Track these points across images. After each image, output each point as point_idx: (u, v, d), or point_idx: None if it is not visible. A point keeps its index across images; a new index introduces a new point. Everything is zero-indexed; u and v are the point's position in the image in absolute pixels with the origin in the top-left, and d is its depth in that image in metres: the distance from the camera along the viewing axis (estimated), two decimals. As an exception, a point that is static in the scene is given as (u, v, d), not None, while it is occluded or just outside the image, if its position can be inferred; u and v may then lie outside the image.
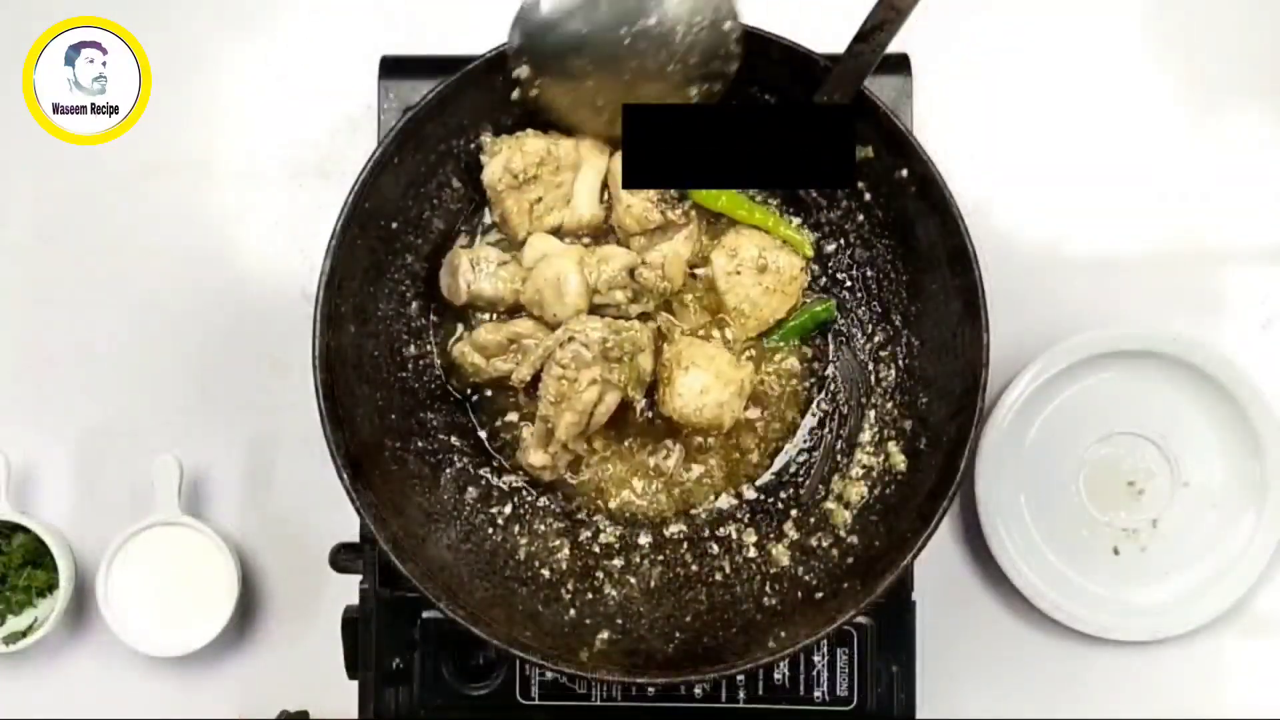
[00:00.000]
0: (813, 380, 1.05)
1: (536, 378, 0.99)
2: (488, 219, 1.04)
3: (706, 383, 0.99)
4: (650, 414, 1.03)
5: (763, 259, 1.01)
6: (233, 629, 1.16)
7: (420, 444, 1.01)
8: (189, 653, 1.14)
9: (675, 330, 1.03)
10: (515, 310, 1.02)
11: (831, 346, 1.05)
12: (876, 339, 1.03)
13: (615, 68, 0.94)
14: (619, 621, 0.99)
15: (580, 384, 0.97)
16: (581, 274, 0.98)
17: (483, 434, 1.04)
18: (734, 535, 1.03)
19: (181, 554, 1.15)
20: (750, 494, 1.04)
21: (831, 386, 1.04)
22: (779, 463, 1.04)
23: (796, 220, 1.04)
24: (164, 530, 1.15)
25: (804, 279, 1.03)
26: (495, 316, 1.02)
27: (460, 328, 1.03)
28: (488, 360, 1.01)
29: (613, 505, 1.04)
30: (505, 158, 0.99)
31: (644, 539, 1.03)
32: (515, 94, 0.97)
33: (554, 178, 1.00)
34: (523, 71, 0.96)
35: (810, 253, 1.03)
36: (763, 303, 1.02)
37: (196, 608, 1.15)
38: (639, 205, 1.00)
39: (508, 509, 1.03)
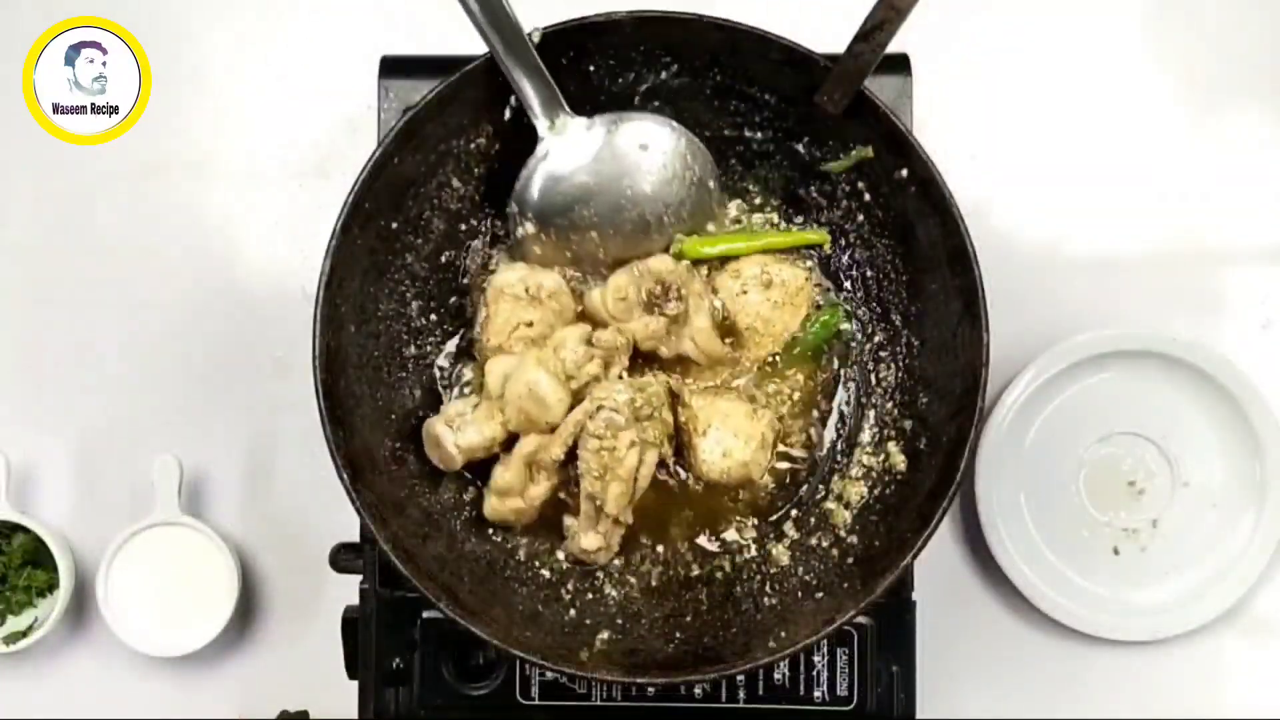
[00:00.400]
0: (817, 385, 1.05)
1: (571, 455, 0.97)
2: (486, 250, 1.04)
3: (728, 444, 0.99)
4: (682, 475, 1.02)
5: (766, 274, 1.01)
6: (233, 629, 1.16)
7: (420, 444, 1.01)
8: (189, 653, 1.14)
9: (685, 391, 1.01)
10: (511, 442, 0.99)
11: (836, 351, 1.05)
12: (876, 339, 1.03)
13: (617, 220, 0.99)
14: (619, 621, 0.99)
15: (620, 450, 0.95)
16: (549, 371, 0.96)
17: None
18: (734, 535, 1.03)
19: (181, 554, 1.15)
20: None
21: (832, 387, 1.04)
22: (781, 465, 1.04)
23: (799, 219, 1.04)
24: (164, 530, 1.15)
25: (810, 288, 1.03)
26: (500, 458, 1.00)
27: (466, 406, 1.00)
28: (523, 495, 0.99)
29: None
30: (526, 272, 0.99)
31: (644, 539, 1.03)
32: (513, 245, 1.01)
33: (555, 315, 1.00)
34: (527, 228, 0.99)
35: (826, 239, 1.03)
36: (774, 318, 1.02)
37: (196, 608, 1.15)
38: (639, 327, 0.99)
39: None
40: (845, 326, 1.04)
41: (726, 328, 1.02)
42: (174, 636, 1.15)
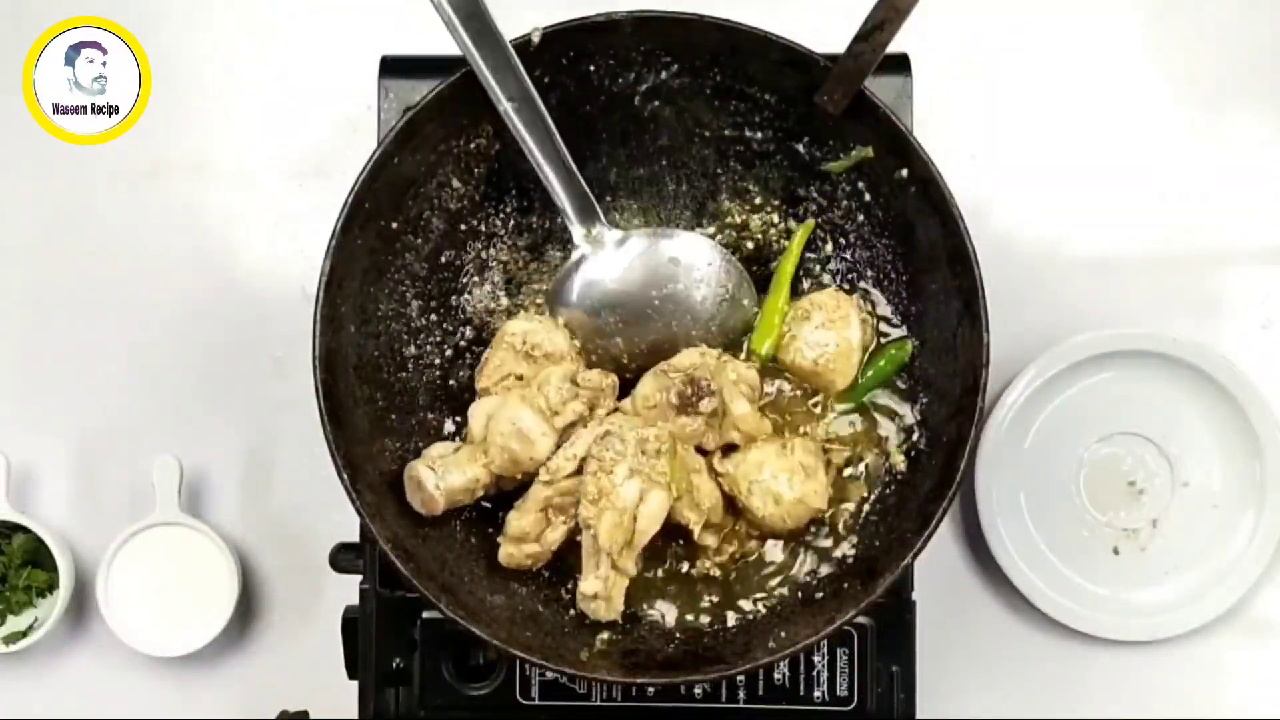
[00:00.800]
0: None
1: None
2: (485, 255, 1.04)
3: (775, 491, 0.96)
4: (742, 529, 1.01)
5: (801, 308, 1.00)
6: (233, 629, 1.16)
7: (421, 444, 1.01)
8: (189, 653, 1.14)
9: (715, 459, 0.99)
10: (493, 487, 0.98)
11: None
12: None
13: (642, 327, 1.00)
14: (619, 621, 0.99)
15: (617, 476, 0.92)
16: (532, 407, 0.95)
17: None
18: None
19: (181, 554, 1.15)
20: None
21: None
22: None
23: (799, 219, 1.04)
24: (164, 530, 1.15)
25: (843, 299, 1.01)
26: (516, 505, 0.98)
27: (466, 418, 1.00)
28: (539, 541, 0.97)
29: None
30: (532, 328, 0.99)
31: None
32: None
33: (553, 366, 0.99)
34: (562, 316, 1.00)
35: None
36: (828, 339, 0.99)
37: (196, 608, 1.15)
38: (676, 430, 0.96)
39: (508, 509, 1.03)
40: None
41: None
42: (174, 636, 1.15)
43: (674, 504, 0.94)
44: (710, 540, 0.99)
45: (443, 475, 0.96)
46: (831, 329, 0.99)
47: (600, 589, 0.94)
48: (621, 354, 1.01)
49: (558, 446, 0.96)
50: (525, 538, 0.97)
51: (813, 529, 1.00)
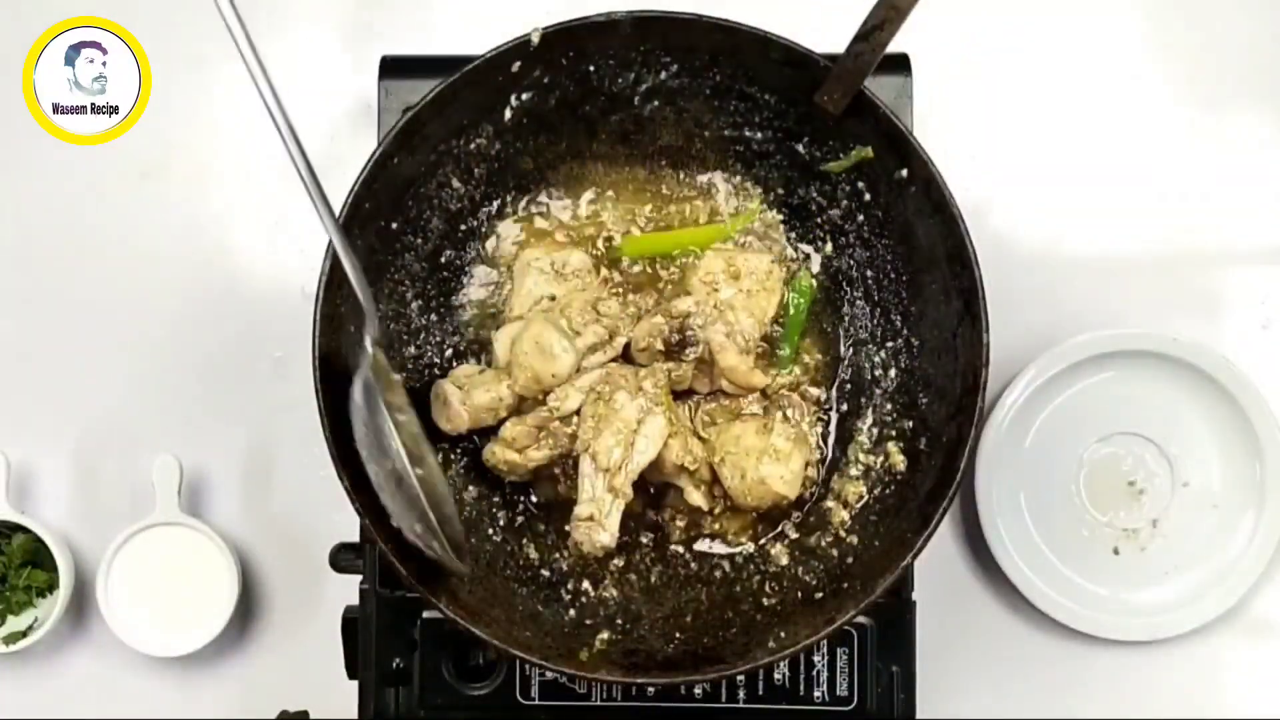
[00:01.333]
0: (815, 385, 1.05)
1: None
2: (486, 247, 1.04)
3: (744, 466, 0.98)
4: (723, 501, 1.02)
5: (732, 266, 1.01)
6: (233, 629, 1.16)
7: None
8: (189, 653, 1.14)
9: (700, 425, 1.01)
10: (518, 408, 0.99)
11: (841, 345, 1.05)
12: (876, 339, 1.03)
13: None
14: (619, 621, 0.99)
15: (617, 402, 0.95)
16: (556, 324, 0.96)
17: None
18: (734, 534, 1.03)
19: (181, 554, 1.15)
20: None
21: (832, 387, 1.04)
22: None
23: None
24: (164, 530, 1.15)
25: (778, 270, 1.03)
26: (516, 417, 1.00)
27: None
28: (521, 453, 0.98)
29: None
30: (551, 255, 1.00)
31: (644, 539, 1.03)
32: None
33: (579, 294, 1.00)
34: None
35: (757, 211, 1.03)
36: (750, 305, 1.01)
37: (196, 608, 1.15)
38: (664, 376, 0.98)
39: (507, 509, 1.03)
40: (816, 281, 1.04)
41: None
42: (174, 636, 1.15)
43: (671, 443, 0.96)
44: (699, 500, 1.00)
45: (468, 392, 0.97)
46: (756, 298, 1.01)
47: (594, 511, 0.94)
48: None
49: (579, 371, 0.97)
50: (512, 444, 0.98)
51: (797, 517, 1.01)
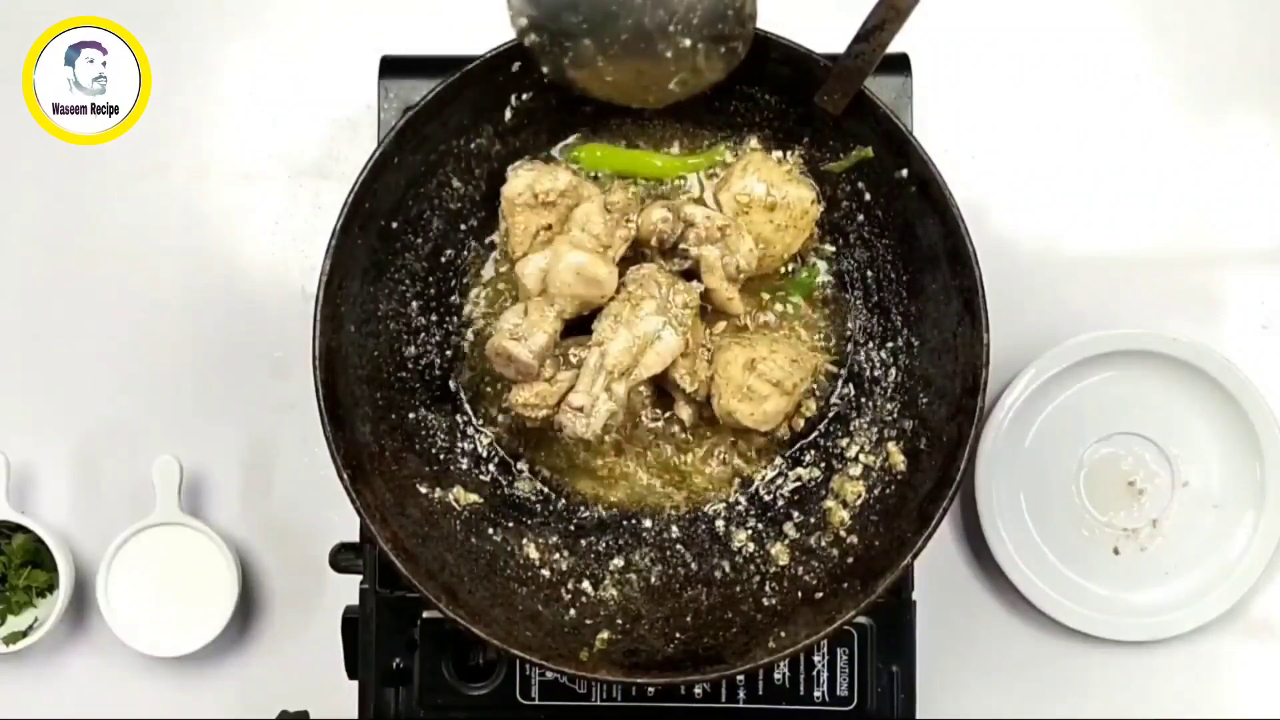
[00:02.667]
0: (817, 383, 1.05)
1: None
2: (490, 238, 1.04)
3: (724, 393, 0.99)
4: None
5: (771, 196, 0.99)
6: (233, 629, 1.16)
7: (421, 444, 1.01)
8: (189, 653, 1.14)
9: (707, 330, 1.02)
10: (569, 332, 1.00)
11: (847, 347, 1.05)
12: (876, 338, 1.03)
13: (611, 27, 0.91)
14: (619, 621, 0.99)
15: (641, 309, 0.96)
16: (585, 249, 0.96)
17: (484, 435, 1.04)
18: (734, 534, 1.03)
19: (181, 554, 1.15)
20: (750, 494, 1.04)
21: (832, 386, 1.04)
22: (780, 463, 1.04)
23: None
24: (164, 530, 1.15)
25: (816, 211, 1.01)
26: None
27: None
28: (551, 380, 0.98)
29: (614, 497, 1.04)
30: (533, 177, 0.99)
31: (647, 523, 1.03)
32: (544, 70, 0.95)
33: (570, 212, 0.99)
34: (529, 37, 0.93)
35: (724, 155, 1.02)
36: (775, 239, 1.00)
37: (196, 608, 1.15)
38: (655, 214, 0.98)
39: (508, 509, 1.03)
40: (824, 279, 1.04)
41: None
42: (174, 636, 1.15)
43: (680, 361, 0.97)
44: (685, 415, 1.01)
45: (528, 339, 0.97)
46: (784, 232, 1.00)
47: (585, 403, 0.95)
48: (602, 66, 0.93)
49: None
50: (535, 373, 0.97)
51: (799, 517, 1.01)
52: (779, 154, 1.02)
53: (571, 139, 1.03)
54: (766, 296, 1.04)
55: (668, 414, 1.04)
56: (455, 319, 1.04)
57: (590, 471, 1.04)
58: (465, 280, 1.04)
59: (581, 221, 0.97)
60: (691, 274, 0.99)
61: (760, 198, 0.99)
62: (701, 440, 1.04)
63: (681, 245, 0.98)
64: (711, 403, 1.00)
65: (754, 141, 1.03)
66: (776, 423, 1.01)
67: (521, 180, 0.99)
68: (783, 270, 1.04)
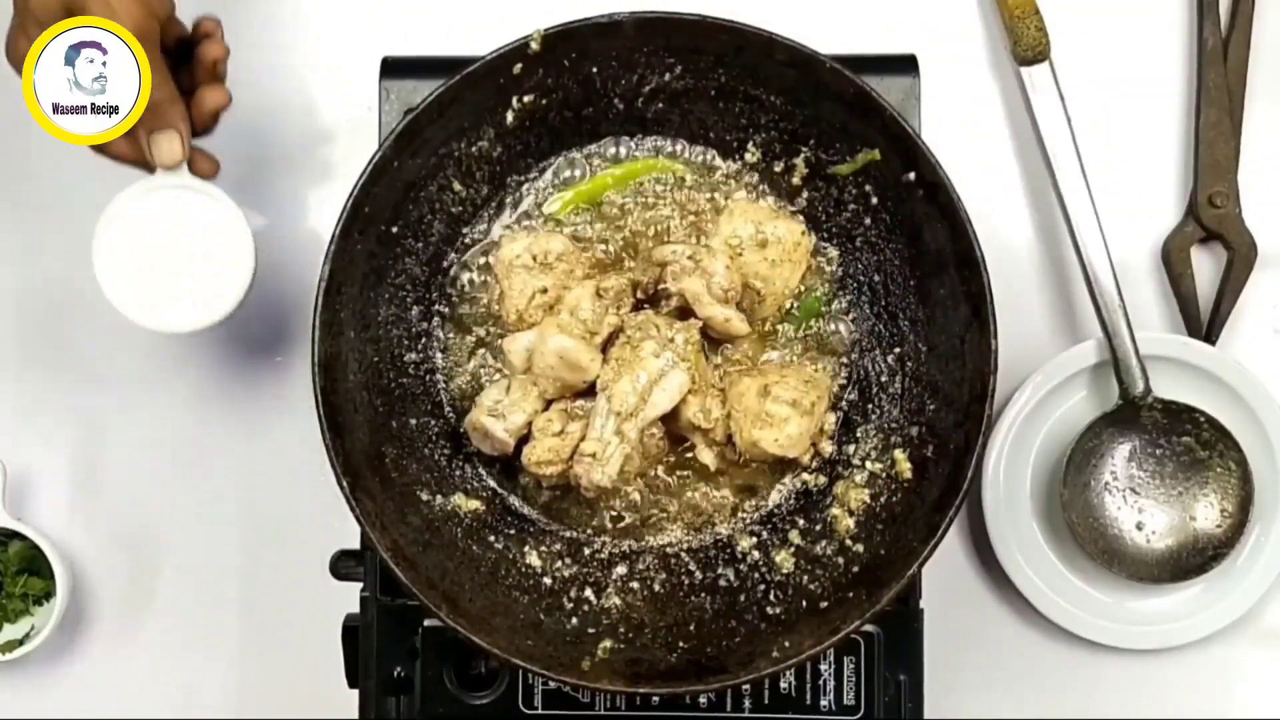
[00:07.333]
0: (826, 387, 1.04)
1: None
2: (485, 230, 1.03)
3: (744, 424, 0.98)
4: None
5: (760, 233, 1.00)
6: (232, 635, 1.16)
7: (422, 451, 1.00)
8: (200, 328, 1.04)
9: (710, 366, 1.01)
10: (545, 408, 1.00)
11: (850, 350, 1.04)
12: (883, 344, 1.02)
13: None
14: (621, 630, 0.98)
15: (643, 350, 0.96)
16: (571, 334, 0.96)
17: (484, 440, 1.04)
18: (738, 542, 1.02)
19: (190, 221, 1.04)
20: (755, 501, 1.03)
21: (839, 392, 1.04)
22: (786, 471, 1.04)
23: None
24: (174, 191, 1.04)
25: (807, 242, 1.02)
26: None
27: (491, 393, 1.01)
28: (560, 435, 0.98)
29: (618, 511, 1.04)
30: (530, 240, 0.99)
31: (650, 539, 1.03)
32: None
33: (567, 276, 0.99)
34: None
35: (679, 169, 1.03)
36: (773, 275, 1.00)
37: (210, 281, 1.03)
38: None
39: (510, 516, 1.02)
40: (831, 308, 1.04)
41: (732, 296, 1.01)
42: (183, 311, 1.04)
43: (689, 398, 0.97)
44: (709, 459, 1.00)
45: (507, 418, 0.98)
46: (780, 267, 1.00)
47: (598, 449, 0.95)
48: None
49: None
50: (547, 430, 0.98)
51: (803, 524, 1.01)
52: (764, 202, 1.03)
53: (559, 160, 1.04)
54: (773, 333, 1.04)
55: (688, 454, 1.02)
56: (456, 322, 1.03)
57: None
58: (466, 283, 1.03)
59: (572, 305, 0.98)
60: (686, 312, 0.99)
61: (750, 237, 0.99)
62: (731, 483, 1.04)
63: (662, 286, 0.99)
64: (733, 441, 0.99)
65: (740, 194, 1.04)
66: (804, 446, 1.00)
67: (519, 243, 0.99)
68: (788, 306, 1.03)
